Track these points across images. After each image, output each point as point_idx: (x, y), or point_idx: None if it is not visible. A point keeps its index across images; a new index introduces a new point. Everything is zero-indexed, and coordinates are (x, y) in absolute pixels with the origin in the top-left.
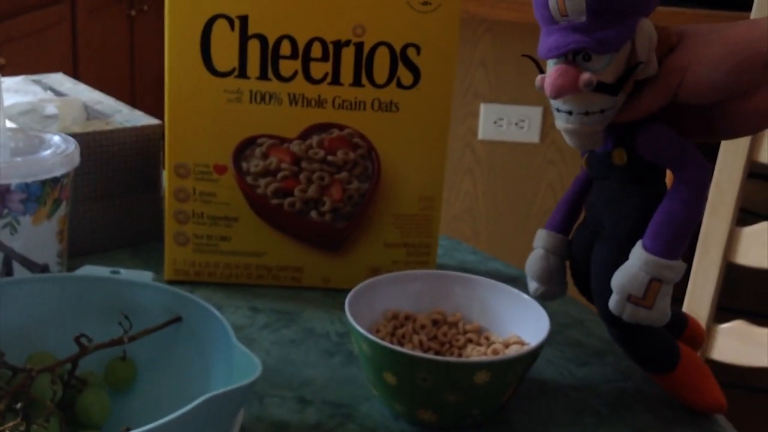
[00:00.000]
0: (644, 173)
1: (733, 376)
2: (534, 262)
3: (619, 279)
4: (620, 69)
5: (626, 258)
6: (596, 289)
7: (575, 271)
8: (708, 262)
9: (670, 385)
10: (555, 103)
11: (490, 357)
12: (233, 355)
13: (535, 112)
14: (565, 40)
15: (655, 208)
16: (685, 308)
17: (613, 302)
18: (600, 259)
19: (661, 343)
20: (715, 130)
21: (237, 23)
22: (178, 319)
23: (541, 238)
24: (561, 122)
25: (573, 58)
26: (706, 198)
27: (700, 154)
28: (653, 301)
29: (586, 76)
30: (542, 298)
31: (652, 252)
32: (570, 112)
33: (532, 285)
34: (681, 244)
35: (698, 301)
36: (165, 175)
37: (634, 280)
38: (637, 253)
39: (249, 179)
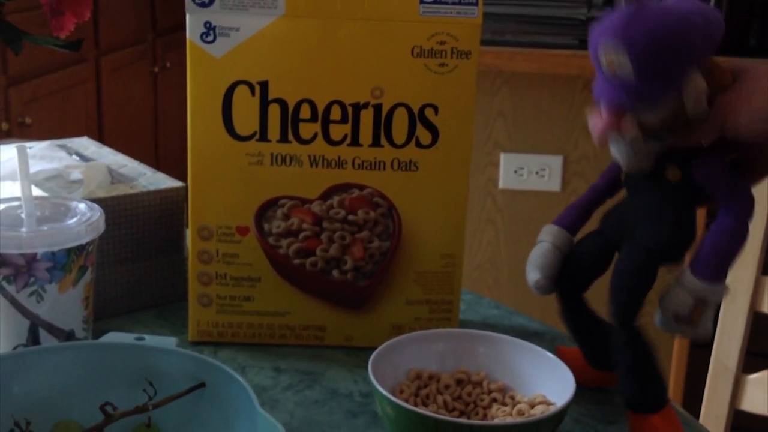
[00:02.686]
0: (691, 194)
1: (764, 427)
2: (540, 254)
3: (667, 302)
4: (667, 117)
5: (653, 268)
6: (617, 291)
7: (568, 270)
8: (735, 310)
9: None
10: (614, 139)
11: (515, 419)
12: (257, 421)
13: (555, 161)
14: (611, 95)
15: (692, 229)
16: (713, 357)
17: (660, 320)
18: (626, 266)
19: (658, 377)
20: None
21: (257, 89)
22: (202, 385)
23: (551, 233)
24: (613, 149)
25: (622, 109)
26: (748, 226)
27: (750, 189)
28: (699, 320)
29: (628, 126)
30: (540, 291)
31: (701, 277)
32: (621, 145)
33: (534, 275)
34: (726, 270)
35: (726, 351)
36: (188, 236)
37: (683, 303)
38: (687, 278)
39: (271, 240)
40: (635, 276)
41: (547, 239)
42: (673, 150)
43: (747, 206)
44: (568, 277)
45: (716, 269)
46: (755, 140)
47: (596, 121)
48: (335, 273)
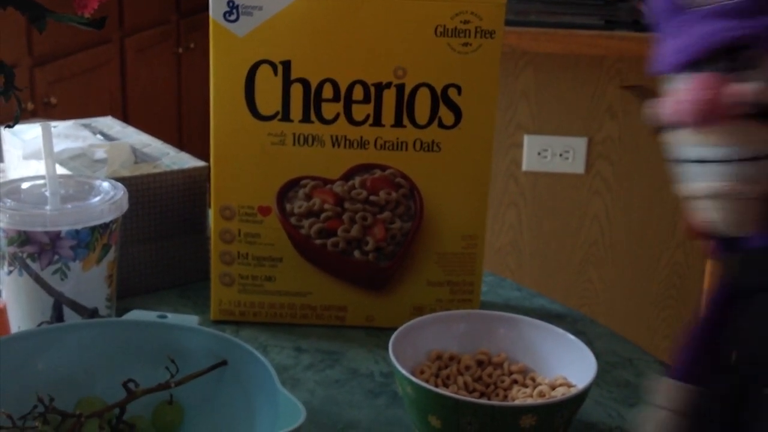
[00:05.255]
0: None
1: None
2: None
3: None
4: None
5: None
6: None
7: None
8: None
9: None
10: (686, 150)
11: (536, 400)
12: (278, 400)
13: (579, 143)
14: (712, 29)
15: None
16: None
17: None
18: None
19: None
20: None
21: (280, 68)
22: (224, 363)
23: (668, 392)
24: (701, 182)
25: (722, 66)
26: None
27: None
28: None
29: (749, 86)
30: None
31: None
32: (701, 161)
33: None
34: None
35: None
36: (211, 216)
37: None
38: None
39: (293, 220)
40: None
41: (663, 403)
42: None
43: None
44: None
45: None
46: None
47: (687, 90)
48: (356, 254)
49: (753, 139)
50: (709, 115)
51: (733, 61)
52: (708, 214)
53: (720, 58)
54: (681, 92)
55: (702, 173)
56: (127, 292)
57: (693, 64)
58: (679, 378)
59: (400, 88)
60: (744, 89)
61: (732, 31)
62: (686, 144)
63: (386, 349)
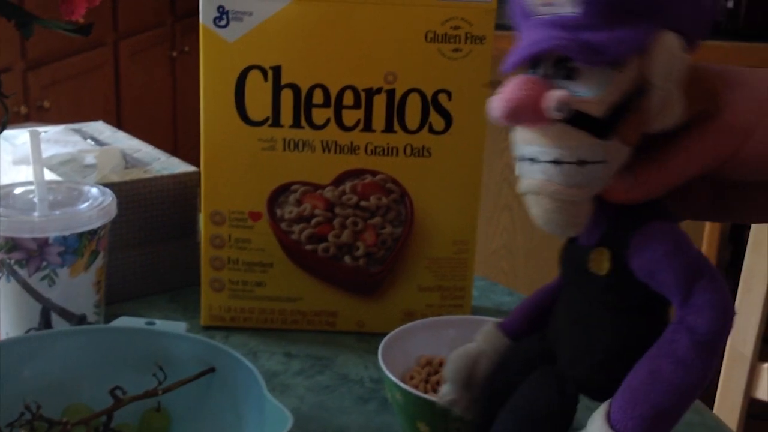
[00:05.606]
0: (633, 295)
1: None
2: (457, 356)
3: None
4: (615, 98)
5: (566, 405)
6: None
7: (491, 382)
8: (751, 299)
9: None
10: (517, 150)
11: None
12: (266, 407)
13: None
14: (542, 37)
15: (635, 352)
16: (728, 345)
17: None
18: (531, 397)
19: None
20: (743, 212)
21: (270, 74)
22: (212, 370)
23: (483, 333)
24: (523, 180)
25: (551, 72)
26: (717, 354)
27: (721, 281)
28: None
29: (557, 92)
30: (454, 405)
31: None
32: (533, 160)
33: (445, 387)
34: (667, 425)
35: (741, 339)
36: (201, 221)
37: None
38: (598, 430)
39: (283, 225)
40: (535, 418)
41: (477, 341)
42: (607, 217)
43: (714, 318)
44: (489, 389)
45: (650, 424)
46: None
47: (505, 91)
48: (347, 259)
49: (574, 144)
50: (519, 114)
51: (558, 69)
52: (535, 211)
53: (547, 64)
54: (501, 91)
55: (531, 171)
56: (117, 297)
57: (525, 66)
58: (503, 328)
59: (391, 93)
60: (553, 94)
61: (551, 41)
62: (521, 142)
63: (376, 354)
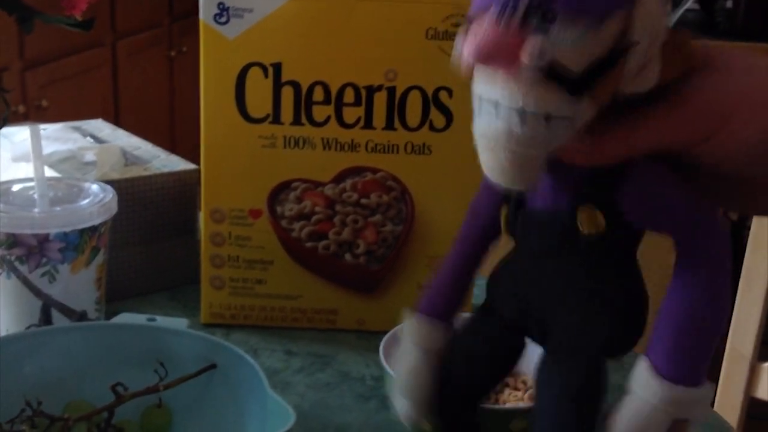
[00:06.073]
0: (625, 249)
1: None
2: (407, 370)
3: (629, 428)
4: (594, 54)
5: (600, 382)
6: (551, 427)
7: (452, 384)
8: (751, 298)
9: None
10: (478, 89)
11: (526, 404)
12: (267, 403)
13: None
14: None
15: (643, 304)
16: (728, 345)
17: None
18: (559, 386)
19: None
20: (738, 201)
21: (271, 71)
22: (213, 367)
23: (415, 333)
24: (479, 121)
25: (530, 14)
26: (728, 292)
27: (718, 213)
28: None
29: (537, 39)
30: (413, 425)
31: (673, 379)
32: (496, 103)
33: (403, 406)
34: (708, 359)
35: (741, 339)
36: (201, 219)
37: (652, 425)
38: (648, 383)
39: (284, 223)
40: (579, 408)
41: (410, 340)
42: (577, 178)
43: (720, 244)
44: (454, 392)
45: (696, 361)
46: (760, 168)
47: (478, 31)
48: (348, 257)
49: (543, 97)
50: (493, 58)
51: (538, 12)
52: (486, 158)
53: (526, 6)
54: (473, 29)
55: (490, 115)
56: (117, 295)
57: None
58: (428, 315)
59: (391, 90)
60: (534, 41)
61: None
62: (485, 82)
63: (377, 352)
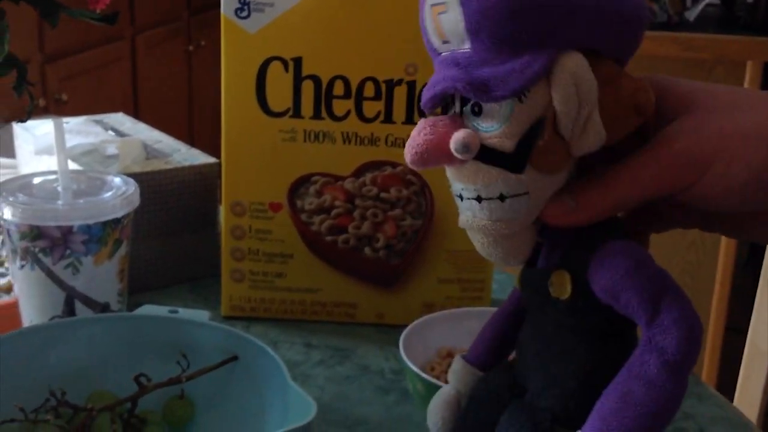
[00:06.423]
0: (597, 317)
1: None
2: (440, 403)
3: None
4: (521, 131)
5: None
6: None
7: (465, 420)
8: None
9: None
10: (450, 184)
11: None
12: (289, 395)
13: None
14: (437, 78)
15: (605, 377)
16: (748, 341)
17: None
18: None
19: None
20: (718, 225)
21: (291, 65)
22: (235, 359)
23: (456, 372)
24: (464, 215)
25: (460, 110)
26: (687, 374)
27: (685, 296)
28: None
29: (459, 134)
30: None
31: None
32: (460, 196)
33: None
34: None
35: (761, 335)
36: (221, 212)
37: None
38: None
39: (303, 217)
40: None
41: (451, 383)
42: (560, 238)
43: (682, 339)
44: (465, 428)
45: None
46: (748, 207)
47: (412, 136)
48: (367, 251)
49: (489, 181)
50: (428, 159)
51: (466, 106)
52: (475, 244)
53: (457, 102)
54: (413, 135)
55: (461, 207)
56: (138, 287)
57: (428, 108)
58: (471, 362)
59: (411, 85)
60: (457, 135)
61: (445, 82)
62: (450, 178)
63: (396, 345)
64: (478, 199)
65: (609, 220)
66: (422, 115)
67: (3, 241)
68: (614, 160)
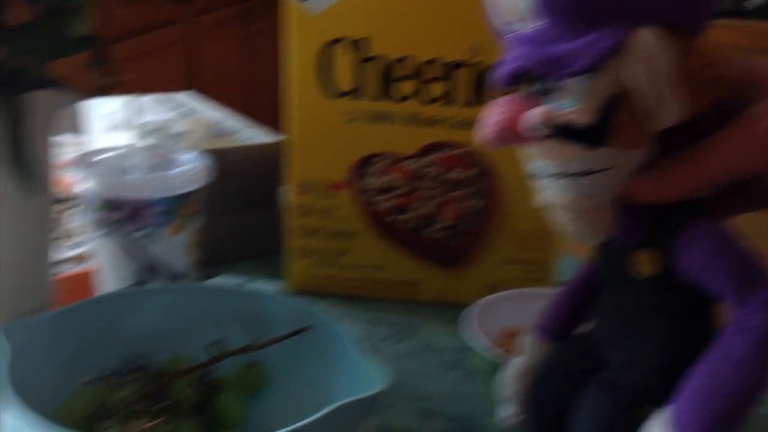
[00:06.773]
0: (679, 296)
1: None
2: (509, 376)
3: None
4: (599, 104)
5: (630, 416)
6: None
7: (536, 395)
8: None
9: None
10: (527, 163)
11: None
12: (358, 366)
13: None
14: (508, 57)
15: (689, 355)
16: None
17: None
18: (591, 417)
19: None
20: None
21: (354, 46)
22: (306, 329)
23: (524, 341)
24: (547, 193)
25: (534, 89)
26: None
27: None
28: None
29: (536, 110)
30: (508, 426)
31: None
32: (540, 175)
33: (505, 410)
34: (732, 426)
35: None
36: (286, 190)
37: None
38: None
39: (367, 196)
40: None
41: (523, 356)
42: (646, 214)
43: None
44: (535, 403)
45: (716, 426)
46: None
47: (487, 115)
48: (428, 231)
49: (569, 157)
50: (506, 137)
51: (542, 84)
52: (557, 222)
53: (530, 81)
54: (488, 114)
55: (541, 185)
56: (204, 263)
57: (510, 83)
58: (541, 335)
59: (474, 66)
60: (532, 113)
61: (515, 62)
62: (526, 157)
63: (459, 324)
64: (560, 175)
65: (692, 199)
66: (488, 96)
67: (79, 214)
68: (697, 139)
